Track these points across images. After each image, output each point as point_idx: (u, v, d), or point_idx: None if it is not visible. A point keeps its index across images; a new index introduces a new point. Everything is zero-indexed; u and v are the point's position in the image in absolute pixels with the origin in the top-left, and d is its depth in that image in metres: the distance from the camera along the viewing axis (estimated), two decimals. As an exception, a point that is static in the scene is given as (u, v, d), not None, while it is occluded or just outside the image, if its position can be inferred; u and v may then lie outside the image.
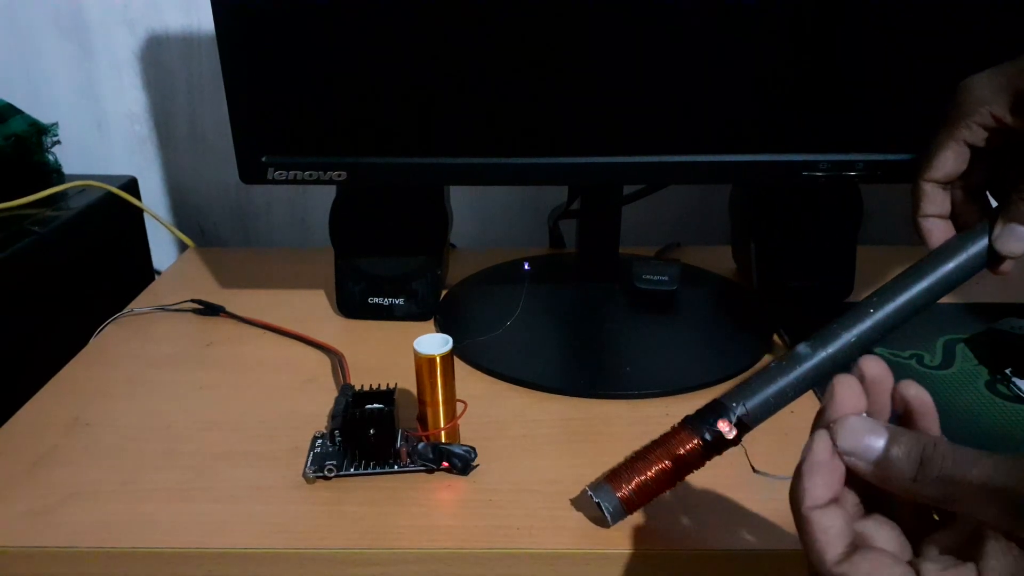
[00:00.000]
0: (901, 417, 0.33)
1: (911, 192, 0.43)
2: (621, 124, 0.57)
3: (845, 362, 0.40)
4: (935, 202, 0.42)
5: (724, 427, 0.41)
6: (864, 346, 0.41)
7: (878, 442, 0.30)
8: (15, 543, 0.44)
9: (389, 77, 0.55)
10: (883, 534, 0.31)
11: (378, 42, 0.54)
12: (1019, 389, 0.56)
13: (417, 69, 0.55)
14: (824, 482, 0.30)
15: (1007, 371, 0.58)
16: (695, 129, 0.57)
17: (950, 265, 0.40)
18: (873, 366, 0.33)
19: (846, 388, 0.32)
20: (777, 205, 0.69)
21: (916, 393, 0.32)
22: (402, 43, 0.54)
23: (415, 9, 0.53)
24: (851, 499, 0.32)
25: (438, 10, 0.53)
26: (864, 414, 0.32)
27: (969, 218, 0.42)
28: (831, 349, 0.41)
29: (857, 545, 0.29)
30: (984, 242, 0.40)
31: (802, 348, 0.41)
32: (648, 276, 0.67)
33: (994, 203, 0.41)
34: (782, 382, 0.41)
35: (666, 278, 0.67)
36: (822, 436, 0.31)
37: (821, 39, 0.54)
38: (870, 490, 0.32)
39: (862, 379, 0.33)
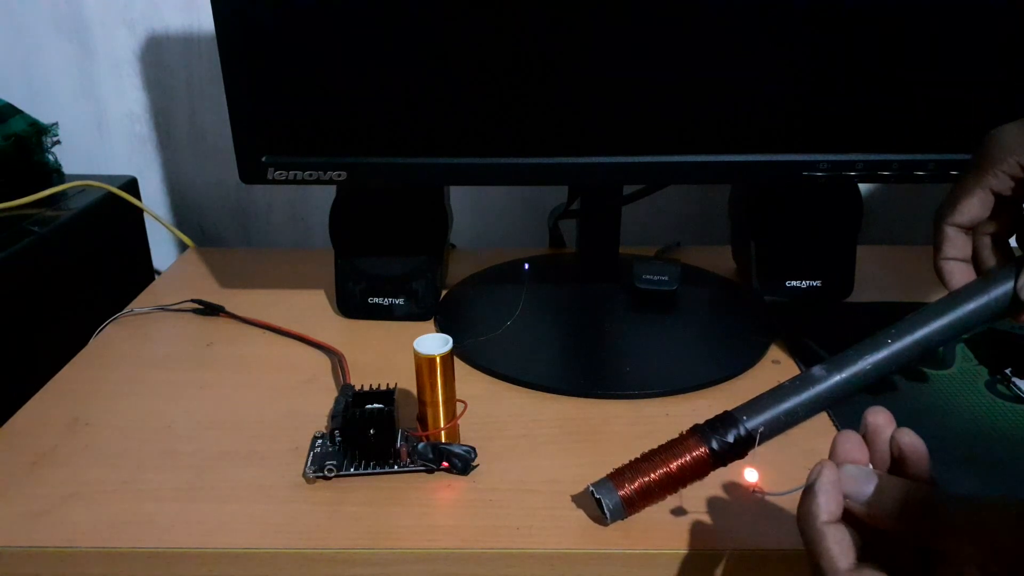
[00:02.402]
0: (897, 460, 0.36)
1: (933, 235, 0.43)
2: (621, 124, 0.57)
3: (857, 388, 0.41)
4: (957, 246, 0.43)
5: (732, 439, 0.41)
6: (878, 374, 0.41)
7: (868, 487, 0.34)
8: (15, 543, 0.44)
9: (389, 77, 0.55)
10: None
11: (378, 42, 0.54)
12: (1019, 389, 0.56)
13: (417, 69, 0.55)
14: (835, 499, 0.34)
15: (1007, 371, 0.58)
16: (695, 129, 0.57)
17: (971, 306, 0.40)
18: (877, 416, 0.37)
19: (847, 443, 0.36)
20: (777, 205, 0.69)
21: (910, 441, 0.36)
22: (402, 43, 0.54)
23: (415, 9, 0.53)
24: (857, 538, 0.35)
25: (438, 10, 0.53)
26: (869, 463, 0.36)
27: (990, 264, 0.42)
28: (845, 374, 0.41)
29: (862, 563, 0.33)
30: (1007, 287, 0.40)
31: (817, 370, 0.41)
32: (648, 276, 0.67)
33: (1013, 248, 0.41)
34: (794, 401, 0.41)
35: (666, 278, 0.67)
36: (829, 464, 0.35)
37: (821, 39, 0.54)
38: (871, 538, 0.35)
39: (866, 428, 0.37)
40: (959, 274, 0.42)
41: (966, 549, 0.31)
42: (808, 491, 0.35)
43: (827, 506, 0.34)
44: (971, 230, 0.42)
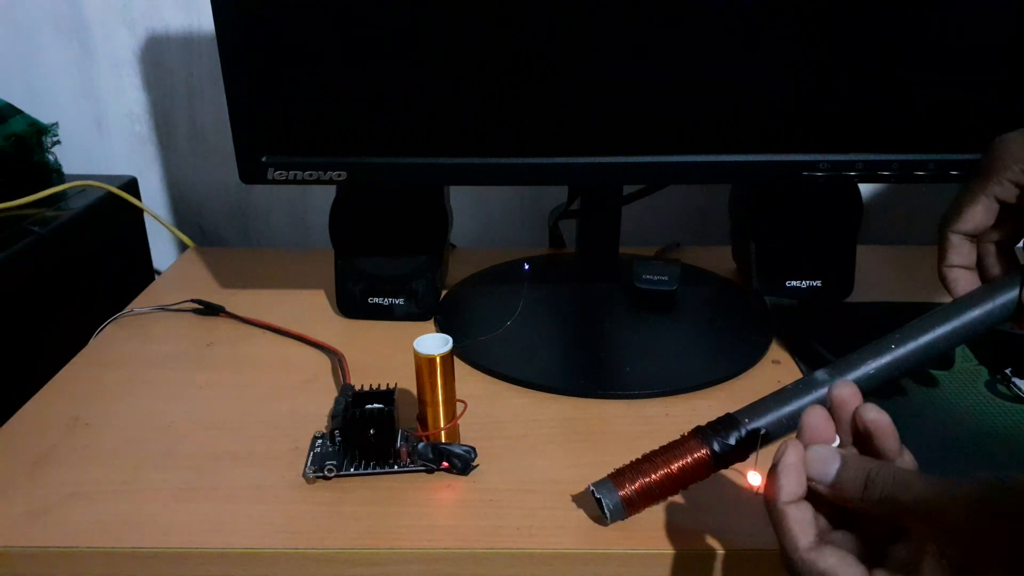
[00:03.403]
0: (863, 436, 0.37)
1: (938, 242, 0.43)
2: (621, 124, 0.57)
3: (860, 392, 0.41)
4: (961, 253, 0.43)
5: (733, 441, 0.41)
6: (881, 379, 0.41)
7: (832, 468, 0.35)
8: (15, 543, 0.44)
9: (389, 77, 0.55)
10: (848, 541, 0.36)
11: (378, 42, 0.54)
12: (1019, 389, 0.56)
13: (417, 69, 0.55)
14: (797, 480, 0.35)
15: (1007, 371, 0.58)
16: (695, 129, 0.57)
17: (976, 312, 0.41)
18: (842, 390, 0.38)
19: (813, 419, 0.37)
20: (777, 205, 0.69)
21: (874, 417, 0.36)
22: (402, 43, 0.54)
23: (415, 9, 0.53)
24: (821, 519, 0.36)
25: (438, 10, 0.53)
26: (837, 439, 0.37)
27: (994, 271, 0.42)
28: (848, 378, 0.41)
29: (825, 540, 0.34)
30: (1013, 294, 0.40)
31: (820, 374, 0.42)
32: (648, 276, 0.67)
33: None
34: (796, 404, 0.41)
35: (666, 278, 0.67)
36: (794, 444, 0.36)
37: (821, 39, 0.54)
38: (837, 508, 0.36)
39: (831, 402, 0.38)
40: (964, 282, 0.42)
41: (925, 529, 0.32)
42: (771, 472, 0.36)
43: (788, 487, 0.35)
44: (976, 238, 0.42)
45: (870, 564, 0.34)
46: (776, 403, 0.42)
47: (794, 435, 0.38)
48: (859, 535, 0.36)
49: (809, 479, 0.35)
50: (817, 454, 0.36)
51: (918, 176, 0.58)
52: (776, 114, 0.57)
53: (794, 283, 0.70)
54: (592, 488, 0.44)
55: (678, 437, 0.44)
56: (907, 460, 0.37)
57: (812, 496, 0.36)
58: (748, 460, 0.42)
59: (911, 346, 0.41)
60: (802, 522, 0.34)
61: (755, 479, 0.41)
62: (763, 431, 0.41)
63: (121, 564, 0.44)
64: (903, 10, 0.53)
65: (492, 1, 0.52)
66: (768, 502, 0.35)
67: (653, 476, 0.42)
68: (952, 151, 0.57)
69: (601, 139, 0.57)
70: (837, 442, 0.37)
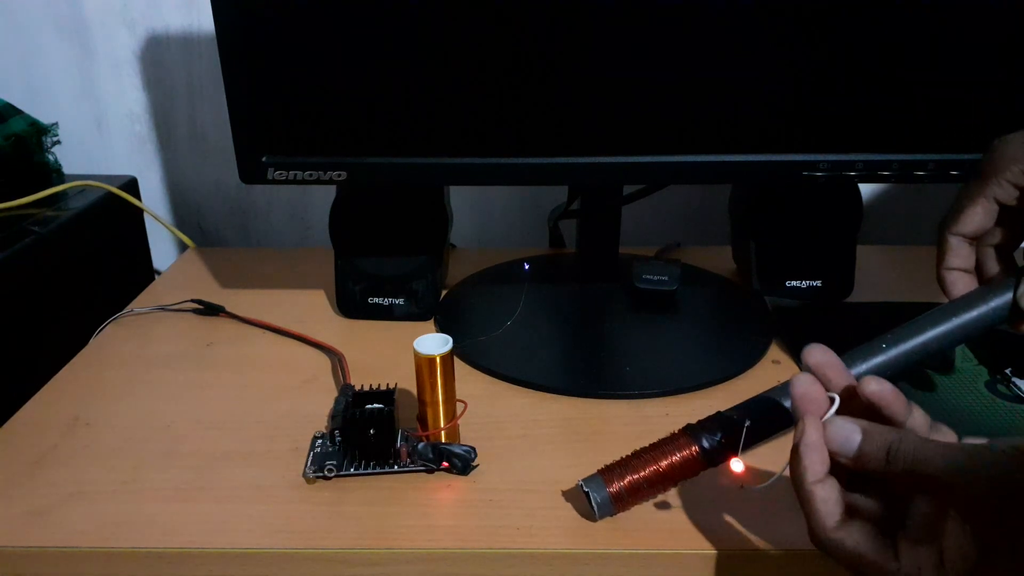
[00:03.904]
0: (869, 409, 0.37)
1: (937, 244, 0.43)
2: (621, 124, 0.57)
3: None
4: (960, 255, 0.42)
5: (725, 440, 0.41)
6: None
7: (854, 441, 0.35)
8: (15, 543, 0.44)
9: (389, 77, 0.55)
10: (871, 505, 0.36)
11: (378, 42, 0.54)
12: (1019, 389, 0.56)
13: (417, 69, 0.55)
14: (820, 459, 0.35)
15: (1007, 371, 0.58)
16: (695, 129, 0.57)
17: (970, 315, 0.40)
18: (813, 354, 0.38)
19: (802, 387, 0.37)
20: (777, 205, 0.69)
21: (875, 388, 0.36)
22: (402, 43, 0.54)
23: (415, 9, 0.53)
24: (844, 494, 0.36)
25: (437, 10, 0.53)
26: (836, 397, 0.37)
27: (993, 274, 0.42)
28: None
29: (850, 515, 0.35)
30: (1008, 296, 0.40)
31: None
32: (648, 276, 0.67)
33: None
34: (787, 403, 0.41)
35: (666, 278, 0.67)
36: (812, 421, 0.36)
37: (821, 39, 0.54)
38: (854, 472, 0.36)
39: (810, 370, 0.38)
40: (962, 284, 0.42)
41: (947, 496, 0.32)
42: (794, 452, 0.36)
43: (813, 467, 0.35)
44: (975, 240, 0.42)
45: (893, 524, 0.35)
46: (766, 401, 0.42)
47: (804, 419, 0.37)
48: (881, 496, 0.36)
49: (832, 453, 0.35)
50: (838, 429, 0.35)
51: (918, 176, 0.58)
52: (776, 114, 0.57)
53: (794, 283, 0.70)
54: (581, 483, 0.44)
55: (668, 435, 0.44)
56: (917, 418, 0.37)
57: (833, 461, 0.36)
58: (738, 456, 0.42)
59: (903, 347, 0.41)
60: (828, 502, 0.35)
61: (738, 466, 0.41)
62: (748, 423, 0.41)
63: (121, 564, 0.44)
64: (903, 10, 0.53)
65: (492, 1, 0.52)
66: (795, 482, 0.36)
67: (642, 473, 0.43)
68: (952, 151, 0.57)
69: (601, 139, 0.57)
70: (837, 402, 0.37)
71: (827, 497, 0.35)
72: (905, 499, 0.35)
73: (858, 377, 0.40)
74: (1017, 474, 0.30)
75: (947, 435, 0.37)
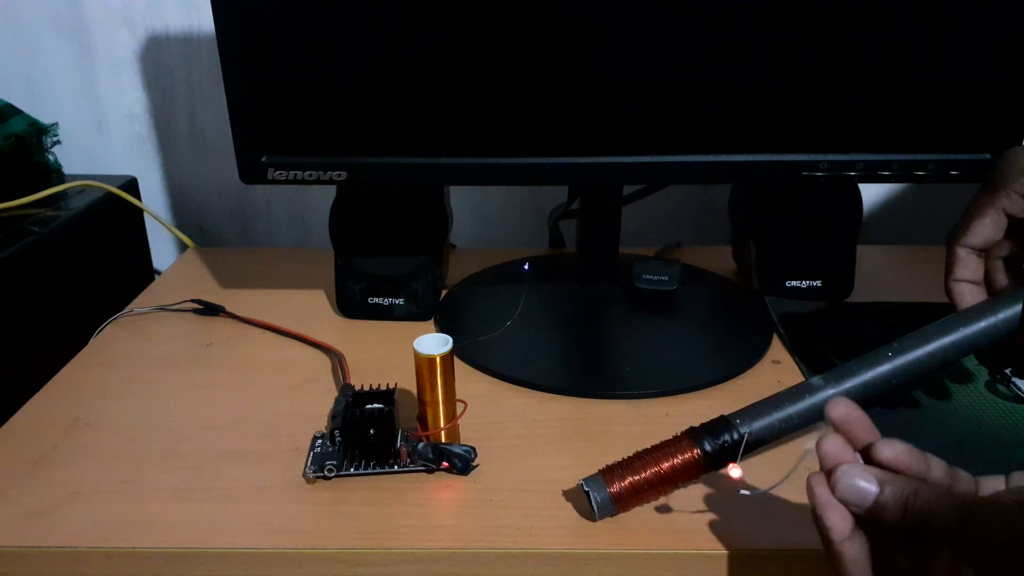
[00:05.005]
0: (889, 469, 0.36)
1: (945, 256, 0.43)
2: (621, 124, 0.57)
3: (856, 400, 0.40)
4: (968, 267, 0.42)
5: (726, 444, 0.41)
6: (877, 388, 0.41)
7: (869, 495, 0.34)
8: (15, 543, 0.44)
9: (389, 77, 0.55)
10: (897, 560, 0.35)
11: (378, 42, 0.54)
12: (1019, 389, 0.56)
13: (417, 69, 0.55)
14: (840, 515, 0.34)
15: (1007, 371, 0.58)
16: (695, 129, 0.57)
17: (977, 326, 0.40)
18: (838, 410, 0.36)
19: (831, 448, 0.36)
20: (777, 205, 0.69)
21: (889, 455, 0.35)
22: (402, 43, 0.54)
23: (415, 9, 0.53)
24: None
25: (438, 10, 0.53)
26: (858, 455, 0.36)
27: (1002, 287, 0.42)
28: (844, 386, 0.41)
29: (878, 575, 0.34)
30: (1016, 309, 0.39)
31: (816, 381, 0.41)
32: (648, 276, 0.67)
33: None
34: (790, 410, 0.41)
35: (666, 278, 0.67)
36: (818, 480, 0.35)
37: (821, 39, 0.54)
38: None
39: (834, 424, 0.36)
40: (970, 296, 0.42)
41: (962, 553, 0.32)
42: (813, 513, 0.35)
43: (836, 526, 0.34)
44: (984, 252, 0.42)
45: (920, 564, 0.34)
46: (771, 407, 0.42)
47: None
48: (907, 549, 0.35)
49: (847, 505, 0.35)
50: (851, 483, 0.35)
51: (918, 176, 0.58)
52: (776, 114, 0.57)
53: (794, 283, 0.70)
54: (582, 483, 0.44)
55: (671, 437, 0.44)
56: (935, 469, 0.36)
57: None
58: (739, 461, 0.42)
59: (909, 356, 0.41)
60: (857, 562, 0.34)
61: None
62: (748, 434, 0.41)
63: (121, 564, 0.44)
64: (903, 10, 0.53)
65: (492, 1, 0.52)
66: (822, 540, 0.35)
67: (643, 474, 0.43)
68: (952, 151, 0.57)
69: (601, 139, 0.57)
70: (859, 460, 0.36)
71: (855, 557, 0.34)
72: (928, 552, 0.35)
73: (864, 383, 0.40)
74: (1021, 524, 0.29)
75: (965, 481, 0.37)
